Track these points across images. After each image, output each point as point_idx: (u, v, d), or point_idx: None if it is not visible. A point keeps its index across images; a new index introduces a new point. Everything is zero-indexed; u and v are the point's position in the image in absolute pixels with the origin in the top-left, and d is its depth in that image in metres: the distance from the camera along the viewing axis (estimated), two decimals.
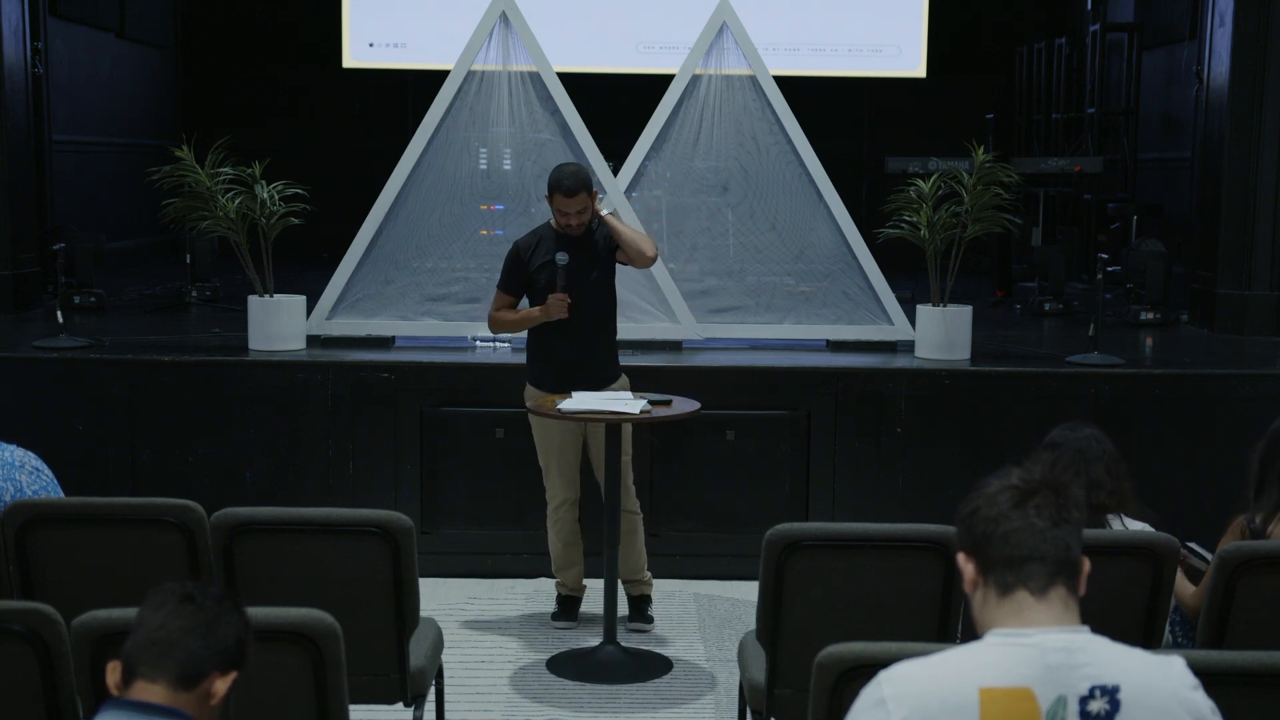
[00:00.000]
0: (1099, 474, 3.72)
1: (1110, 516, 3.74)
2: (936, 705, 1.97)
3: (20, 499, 3.60)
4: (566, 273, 5.18)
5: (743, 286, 6.70)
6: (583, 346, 5.30)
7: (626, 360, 6.12)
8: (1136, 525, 3.76)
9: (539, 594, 5.84)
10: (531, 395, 5.30)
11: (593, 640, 5.15)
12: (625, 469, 5.28)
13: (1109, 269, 6.89)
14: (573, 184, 5.12)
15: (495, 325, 5.42)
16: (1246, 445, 3.87)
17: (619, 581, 5.51)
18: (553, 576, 5.58)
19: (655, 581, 5.63)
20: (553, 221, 5.26)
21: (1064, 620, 2.01)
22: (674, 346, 6.50)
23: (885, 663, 2.09)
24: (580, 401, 5.00)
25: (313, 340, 6.45)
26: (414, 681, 3.70)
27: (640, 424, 5.32)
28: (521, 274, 5.28)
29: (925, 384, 6.09)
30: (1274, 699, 2.59)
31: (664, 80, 6.77)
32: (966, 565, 2.08)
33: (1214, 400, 6.10)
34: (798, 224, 6.65)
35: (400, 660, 3.65)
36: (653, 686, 4.87)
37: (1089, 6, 10.89)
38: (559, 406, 4.93)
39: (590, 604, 5.57)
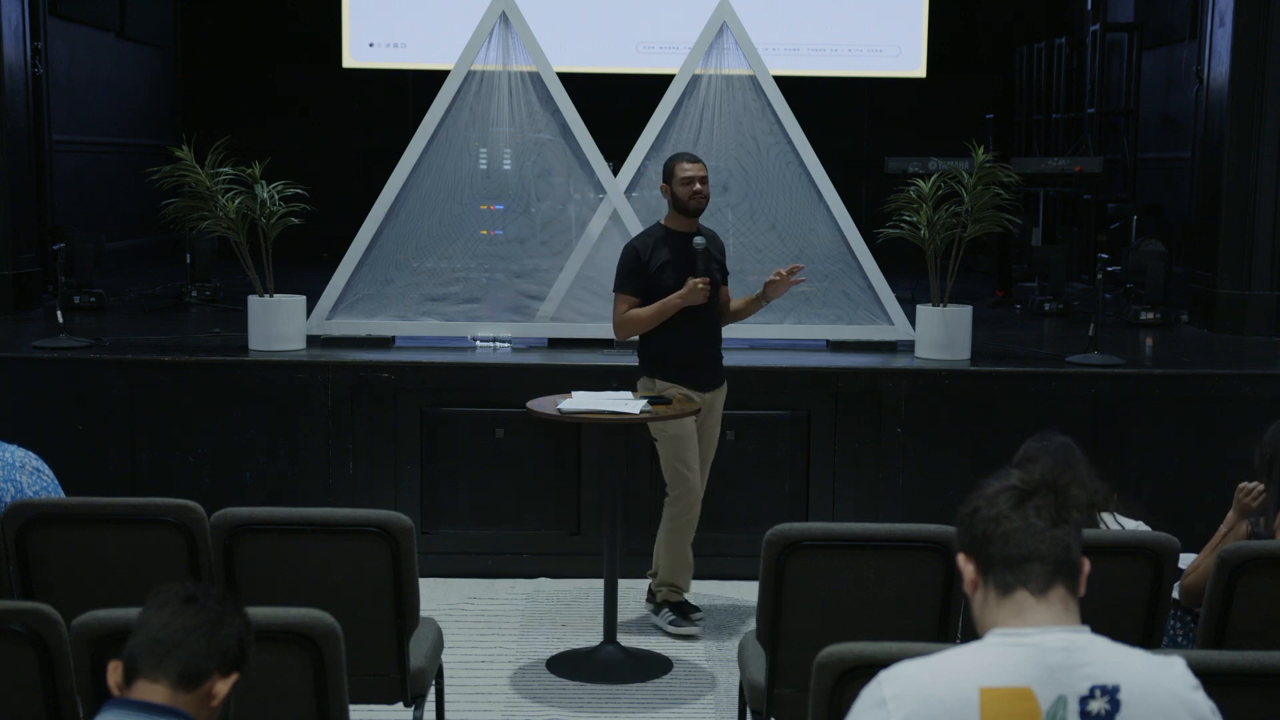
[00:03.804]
0: (1084, 475, 3.73)
1: (1105, 515, 3.75)
2: (937, 705, 1.97)
3: (20, 499, 3.60)
4: (704, 258, 5.20)
5: (743, 287, 6.68)
6: (713, 341, 5.40)
7: (627, 360, 6.13)
8: (1131, 523, 3.77)
9: (539, 594, 5.84)
10: (669, 390, 5.23)
11: (592, 640, 5.15)
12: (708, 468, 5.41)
13: (1109, 269, 6.89)
14: (692, 154, 5.29)
15: (630, 325, 5.29)
16: (1246, 445, 3.87)
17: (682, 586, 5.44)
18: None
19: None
20: (672, 201, 5.24)
21: (1064, 620, 2.01)
22: None
23: (885, 663, 2.09)
24: (580, 401, 5.00)
25: (313, 340, 6.45)
26: (414, 681, 3.70)
27: (640, 424, 5.32)
28: (643, 274, 5.24)
29: (925, 384, 6.09)
30: (1274, 699, 2.59)
31: (664, 80, 6.77)
32: (966, 566, 2.08)
33: (1214, 400, 6.10)
34: (798, 224, 6.64)
35: (400, 660, 3.65)
36: (653, 686, 4.87)
37: (1089, 6, 10.89)
38: (559, 406, 4.93)
39: (590, 604, 5.57)
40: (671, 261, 5.22)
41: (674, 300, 5.18)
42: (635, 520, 5.92)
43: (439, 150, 6.56)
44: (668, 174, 5.26)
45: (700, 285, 5.16)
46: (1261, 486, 3.78)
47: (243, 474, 6.00)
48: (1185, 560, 3.84)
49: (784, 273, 5.36)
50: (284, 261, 6.65)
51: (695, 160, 5.27)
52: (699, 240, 5.19)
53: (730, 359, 6.30)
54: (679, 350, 5.28)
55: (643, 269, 5.24)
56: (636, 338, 5.40)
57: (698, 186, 5.20)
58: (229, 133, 6.51)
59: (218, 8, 12.45)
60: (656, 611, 5.45)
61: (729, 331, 6.60)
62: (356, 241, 6.54)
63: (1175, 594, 3.74)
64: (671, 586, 5.41)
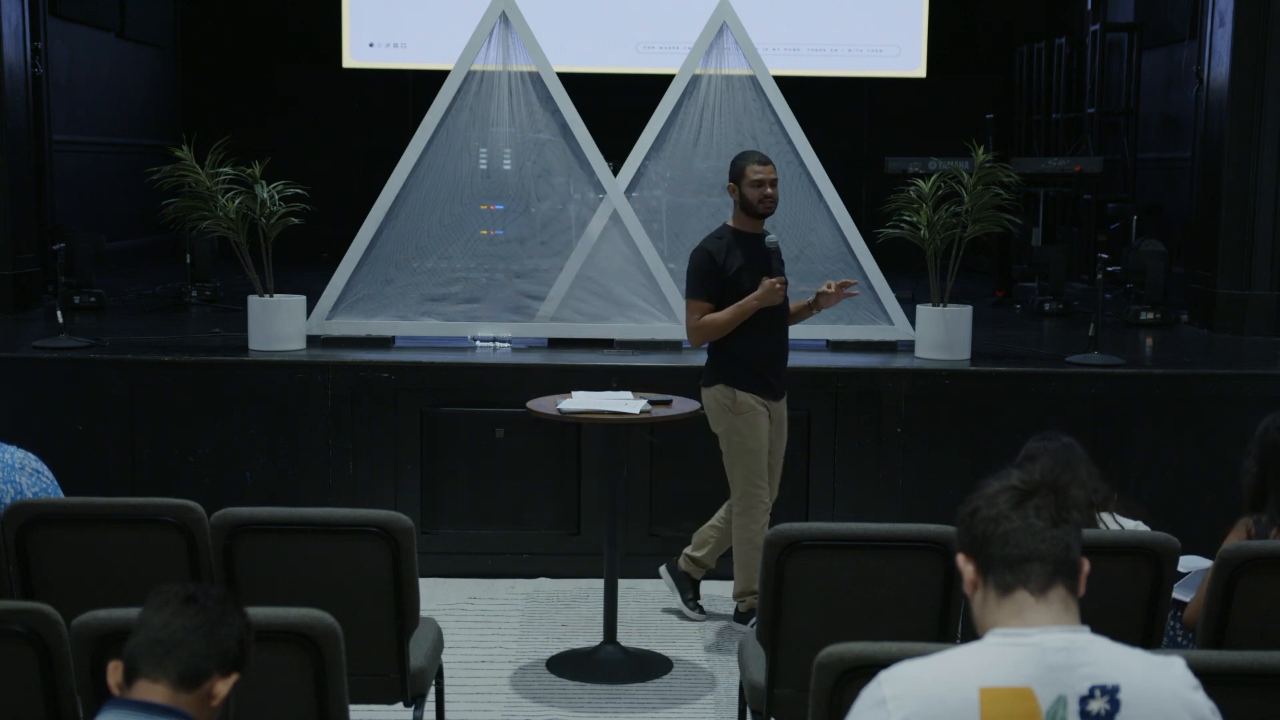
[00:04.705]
0: (1084, 475, 3.73)
1: (1104, 515, 3.75)
2: (937, 705, 1.97)
3: (20, 500, 3.60)
4: (776, 258, 5.14)
5: None
6: (785, 343, 5.28)
7: (626, 360, 6.14)
8: (1130, 523, 3.77)
9: (539, 594, 5.85)
10: (747, 401, 5.13)
11: (593, 640, 5.15)
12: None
13: (1109, 269, 6.89)
14: (763, 154, 5.17)
15: (707, 331, 5.13)
16: (1246, 445, 3.87)
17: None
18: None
19: (654, 581, 5.63)
20: (740, 202, 5.10)
21: (1064, 620, 2.01)
22: (674, 346, 6.50)
23: (885, 663, 2.09)
24: (580, 401, 5.00)
25: (313, 340, 6.45)
26: (414, 681, 3.70)
27: (640, 424, 5.32)
28: (718, 278, 5.10)
29: (925, 384, 6.09)
30: (1274, 699, 2.59)
31: (664, 80, 6.77)
32: (966, 566, 2.08)
33: (1214, 400, 6.10)
34: (798, 224, 6.64)
35: (400, 660, 3.65)
36: (653, 686, 4.87)
37: (1089, 6, 10.89)
38: (559, 406, 4.93)
39: (590, 604, 5.57)
40: (746, 265, 5.09)
41: (751, 302, 5.05)
42: (635, 520, 5.93)
43: (439, 150, 6.55)
44: (736, 174, 5.12)
45: (777, 285, 5.07)
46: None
47: (243, 474, 6.00)
48: (1185, 562, 3.84)
49: (835, 285, 5.28)
50: (284, 261, 6.64)
51: (766, 162, 5.12)
52: (771, 238, 5.13)
53: None
54: (756, 354, 5.16)
55: (718, 272, 5.09)
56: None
57: (768, 190, 5.08)
58: (229, 133, 6.51)
59: (218, 8, 12.44)
60: (745, 622, 5.28)
61: None
62: (356, 241, 6.54)
63: (1176, 594, 3.74)
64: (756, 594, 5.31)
